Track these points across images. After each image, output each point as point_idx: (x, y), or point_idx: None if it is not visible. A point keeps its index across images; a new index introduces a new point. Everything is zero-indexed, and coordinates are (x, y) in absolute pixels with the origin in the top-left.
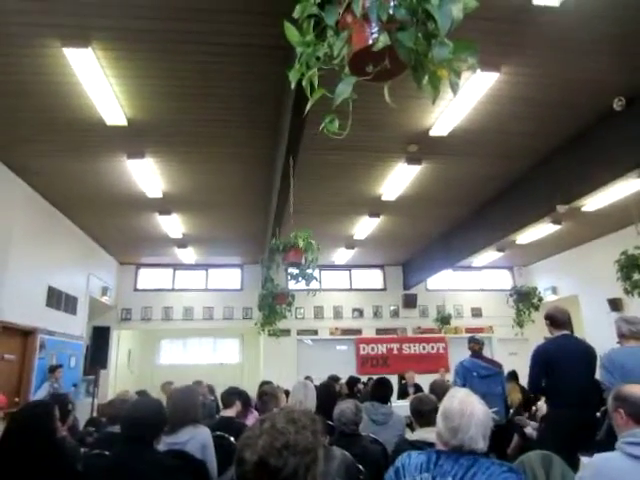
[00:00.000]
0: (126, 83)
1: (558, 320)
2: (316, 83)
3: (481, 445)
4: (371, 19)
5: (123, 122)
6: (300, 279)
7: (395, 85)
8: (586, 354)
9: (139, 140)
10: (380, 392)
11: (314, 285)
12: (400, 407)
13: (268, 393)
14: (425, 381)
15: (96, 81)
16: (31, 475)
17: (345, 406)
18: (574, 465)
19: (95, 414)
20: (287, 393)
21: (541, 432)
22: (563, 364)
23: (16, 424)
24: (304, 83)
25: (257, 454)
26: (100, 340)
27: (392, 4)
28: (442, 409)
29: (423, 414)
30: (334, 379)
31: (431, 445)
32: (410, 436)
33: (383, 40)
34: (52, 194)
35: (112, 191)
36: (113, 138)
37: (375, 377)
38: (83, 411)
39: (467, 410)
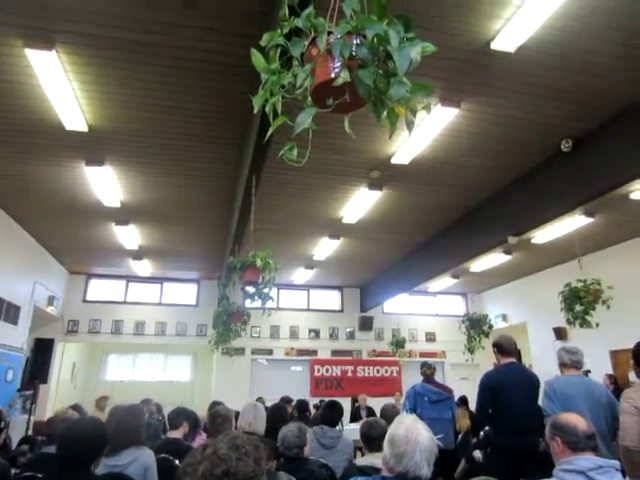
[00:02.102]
0: (89, 89)
1: (504, 348)
2: (279, 110)
3: (425, 471)
4: (334, 55)
5: (84, 128)
6: (256, 298)
7: (359, 113)
8: (529, 382)
9: (99, 147)
10: (329, 415)
11: (271, 304)
12: (352, 430)
13: (222, 415)
14: (379, 404)
15: (58, 85)
16: None
17: (287, 430)
18: None
19: (31, 432)
20: (237, 416)
21: (486, 457)
22: (507, 392)
23: None
24: (267, 109)
25: None
26: (42, 352)
27: (355, 43)
28: (388, 435)
29: (372, 439)
30: (286, 401)
31: (378, 471)
32: (358, 461)
33: (344, 76)
34: (3, 199)
35: (67, 197)
36: (72, 143)
37: (327, 399)
38: (18, 429)
39: (412, 437)
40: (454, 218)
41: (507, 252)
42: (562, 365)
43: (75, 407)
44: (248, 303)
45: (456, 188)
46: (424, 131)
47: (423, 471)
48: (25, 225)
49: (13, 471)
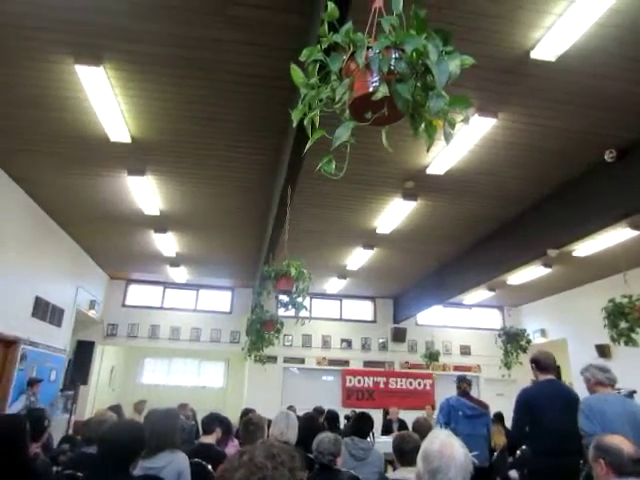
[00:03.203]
0: (133, 102)
1: (543, 364)
2: (317, 124)
3: None
4: (372, 69)
5: (127, 139)
6: (290, 307)
7: (395, 123)
8: (569, 400)
9: (141, 158)
10: (360, 426)
11: (304, 314)
12: (383, 443)
13: (255, 423)
14: (410, 417)
15: (104, 99)
16: None
17: (324, 435)
18: None
19: (71, 431)
20: (268, 424)
21: (523, 479)
22: (546, 410)
23: None
24: (305, 123)
25: None
26: (83, 355)
27: (393, 57)
28: (422, 450)
29: (405, 453)
30: (319, 411)
31: None
32: (391, 475)
33: (382, 91)
34: (49, 204)
35: (109, 206)
36: (115, 154)
37: (358, 410)
38: (59, 428)
39: (447, 452)
40: (490, 229)
41: (547, 265)
42: (597, 384)
43: (114, 408)
44: (282, 312)
45: (493, 199)
46: (460, 141)
47: None
48: (69, 231)
49: (54, 469)
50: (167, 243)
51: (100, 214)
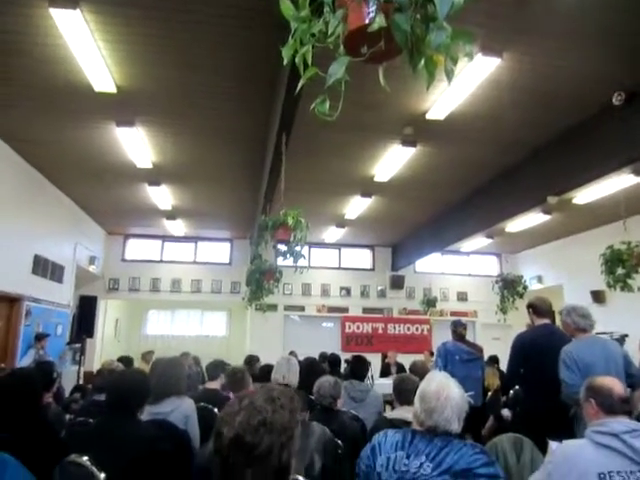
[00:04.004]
0: (116, 49)
1: (539, 309)
2: (310, 61)
3: (455, 426)
4: None
5: (112, 89)
6: (288, 256)
7: (392, 66)
8: (563, 344)
9: (129, 108)
10: (357, 370)
11: (302, 263)
12: (382, 385)
13: (241, 370)
14: (408, 361)
15: (84, 45)
16: (13, 443)
17: (324, 380)
18: (544, 449)
19: (81, 382)
20: (270, 370)
21: (515, 417)
22: (540, 353)
23: None
24: (297, 60)
25: (234, 430)
26: (87, 309)
27: None
28: (420, 391)
29: (403, 392)
30: (324, 356)
31: (409, 424)
32: (389, 414)
33: (379, 22)
34: (39, 161)
35: (101, 159)
36: (101, 105)
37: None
38: (69, 379)
39: (443, 393)
40: (491, 176)
41: (546, 212)
42: (577, 330)
43: (122, 359)
44: (280, 261)
45: (494, 145)
46: (462, 84)
47: (453, 426)
48: (63, 188)
49: (67, 416)
50: (162, 196)
51: (92, 169)
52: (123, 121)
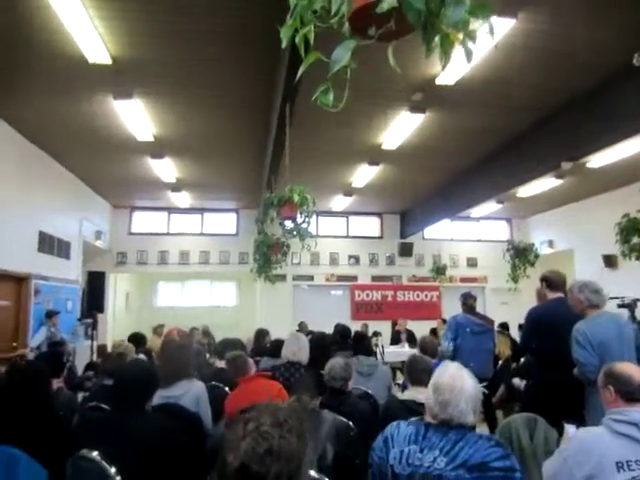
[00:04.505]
0: (108, 17)
1: (553, 283)
2: (312, 40)
3: (471, 419)
4: None
5: (107, 60)
6: (295, 234)
7: None
8: (578, 318)
9: (126, 80)
10: (360, 346)
11: (309, 241)
12: (392, 353)
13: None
14: (418, 328)
15: (74, 14)
16: (24, 438)
17: (335, 361)
18: (558, 427)
19: (95, 356)
20: (281, 345)
21: (528, 390)
22: (553, 326)
23: (7, 385)
24: (297, 41)
25: (239, 459)
26: (95, 284)
27: None
28: (433, 382)
29: (415, 373)
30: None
31: (421, 405)
32: (401, 395)
33: (389, 1)
34: (39, 137)
35: (100, 133)
36: (97, 77)
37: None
38: (82, 354)
39: (457, 384)
40: (502, 142)
41: (559, 177)
42: (590, 307)
43: (133, 338)
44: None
45: (506, 110)
46: (475, 46)
47: (469, 418)
48: (65, 163)
49: (81, 394)
50: (165, 169)
51: (92, 143)
52: (121, 93)
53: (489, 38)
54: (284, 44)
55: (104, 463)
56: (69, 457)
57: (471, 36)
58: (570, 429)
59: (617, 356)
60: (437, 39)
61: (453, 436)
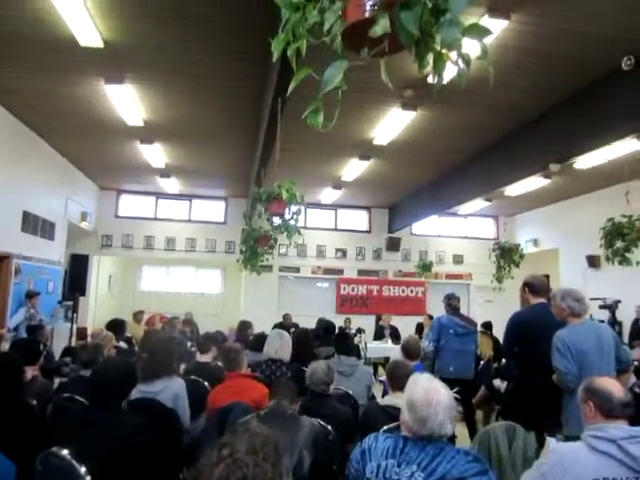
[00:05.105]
0: (100, 0)
1: (536, 287)
2: (304, 52)
3: (449, 428)
4: None
5: (99, 44)
6: (283, 230)
7: None
8: (559, 324)
9: (117, 64)
10: (341, 346)
11: (299, 229)
12: (375, 348)
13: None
14: (403, 323)
15: None
16: None
17: (317, 365)
18: (537, 432)
19: (74, 339)
20: (264, 340)
21: (508, 393)
22: (535, 331)
23: None
24: (289, 54)
25: None
26: (78, 267)
27: None
28: (407, 400)
29: (397, 378)
30: (322, 323)
31: (399, 410)
32: (381, 400)
33: (382, 25)
34: (27, 115)
35: (90, 116)
36: (88, 60)
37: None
38: (62, 335)
39: (433, 398)
40: (492, 141)
41: (546, 176)
42: (571, 315)
43: (112, 325)
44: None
45: (497, 110)
46: (466, 46)
47: (447, 429)
48: (53, 143)
49: (58, 380)
50: (155, 154)
51: (82, 125)
52: (112, 78)
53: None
54: (275, 57)
55: (74, 462)
56: (40, 450)
57: (465, 58)
58: (552, 442)
59: (596, 366)
60: (429, 57)
61: (431, 450)
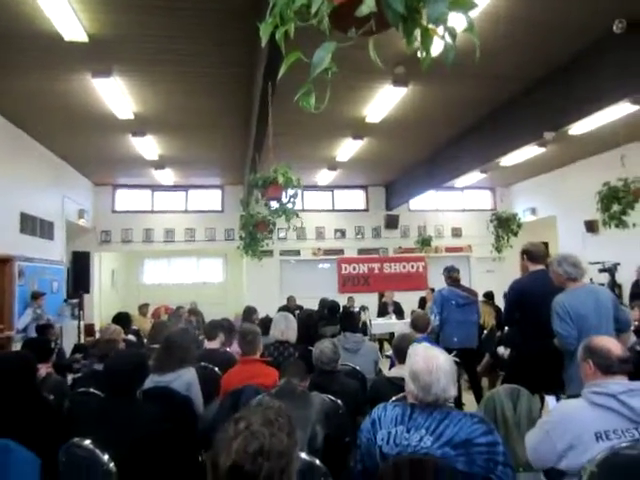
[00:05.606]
0: None
1: (534, 255)
2: (292, 35)
3: (453, 392)
4: None
5: (83, 38)
6: (280, 214)
7: None
8: (558, 289)
9: (104, 57)
10: (346, 324)
11: (297, 212)
12: (379, 325)
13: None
14: (405, 298)
15: None
16: (14, 428)
17: (324, 346)
18: (540, 395)
19: (82, 336)
20: (269, 323)
21: (512, 359)
22: (535, 297)
23: None
24: (278, 37)
25: (231, 459)
26: (80, 264)
27: None
28: (409, 371)
29: (403, 351)
30: (325, 304)
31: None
32: (388, 373)
33: (369, 4)
34: (17, 116)
35: (80, 112)
36: (74, 55)
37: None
38: (70, 333)
39: (433, 364)
40: (486, 113)
41: (541, 145)
42: (569, 280)
43: (119, 319)
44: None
45: (489, 80)
46: (457, 18)
47: (451, 392)
48: (44, 142)
49: (70, 377)
50: (148, 146)
51: (72, 122)
52: (99, 71)
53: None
54: (264, 42)
55: (97, 450)
56: (62, 443)
57: (451, 32)
58: (551, 401)
59: (594, 328)
60: (417, 33)
61: (438, 415)
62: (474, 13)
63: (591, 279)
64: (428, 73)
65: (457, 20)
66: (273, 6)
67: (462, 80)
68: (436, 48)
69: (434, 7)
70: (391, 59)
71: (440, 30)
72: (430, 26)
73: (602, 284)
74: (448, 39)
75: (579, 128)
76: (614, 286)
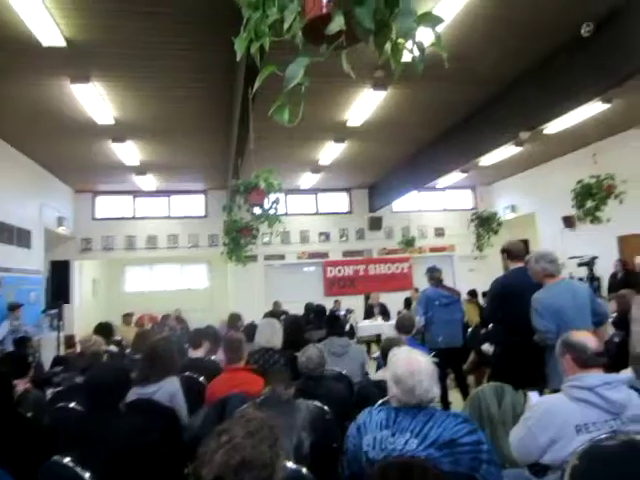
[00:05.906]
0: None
1: (514, 253)
2: (267, 47)
3: (436, 391)
4: None
5: (61, 43)
6: (263, 220)
7: None
8: (537, 286)
9: (82, 63)
10: (332, 327)
11: (280, 217)
12: (365, 327)
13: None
14: (391, 299)
15: None
16: None
17: (310, 352)
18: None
19: (62, 348)
20: (254, 331)
21: (496, 355)
22: (516, 294)
23: None
24: (252, 51)
25: (213, 473)
26: (59, 274)
27: None
28: (392, 375)
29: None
30: (311, 308)
31: None
32: (374, 376)
33: (338, 22)
34: None
35: (59, 118)
36: (52, 61)
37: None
38: (49, 345)
39: (415, 367)
40: (463, 114)
41: (518, 144)
42: (547, 276)
43: (100, 330)
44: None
45: (465, 83)
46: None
47: (434, 392)
48: (22, 148)
49: (50, 390)
50: (128, 152)
51: (51, 128)
52: (77, 77)
53: (450, 12)
54: (238, 56)
55: (77, 468)
56: (41, 462)
57: (419, 46)
58: (533, 396)
59: (572, 322)
60: (388, 46)
61: (422, 417)
62: (452, 15)
63: (571, 273)
64: (406, 77)
65: (425, 34)
66: (247, 21)
67: (440, 83)
68: (407, 57)
69: (403, 22)
70: (370, 63)
71: (409, 44)
72: (399, 40)
73: (581, 278)
74: (416, 52)
75: (553, 127)
76: (592, 279)
